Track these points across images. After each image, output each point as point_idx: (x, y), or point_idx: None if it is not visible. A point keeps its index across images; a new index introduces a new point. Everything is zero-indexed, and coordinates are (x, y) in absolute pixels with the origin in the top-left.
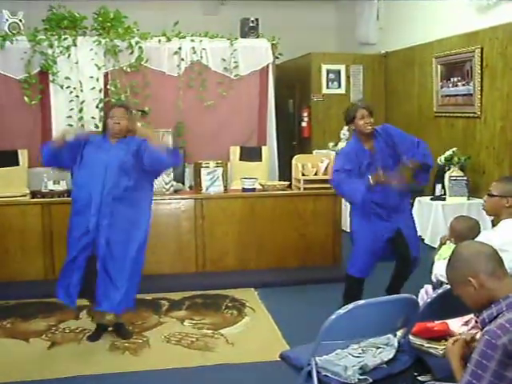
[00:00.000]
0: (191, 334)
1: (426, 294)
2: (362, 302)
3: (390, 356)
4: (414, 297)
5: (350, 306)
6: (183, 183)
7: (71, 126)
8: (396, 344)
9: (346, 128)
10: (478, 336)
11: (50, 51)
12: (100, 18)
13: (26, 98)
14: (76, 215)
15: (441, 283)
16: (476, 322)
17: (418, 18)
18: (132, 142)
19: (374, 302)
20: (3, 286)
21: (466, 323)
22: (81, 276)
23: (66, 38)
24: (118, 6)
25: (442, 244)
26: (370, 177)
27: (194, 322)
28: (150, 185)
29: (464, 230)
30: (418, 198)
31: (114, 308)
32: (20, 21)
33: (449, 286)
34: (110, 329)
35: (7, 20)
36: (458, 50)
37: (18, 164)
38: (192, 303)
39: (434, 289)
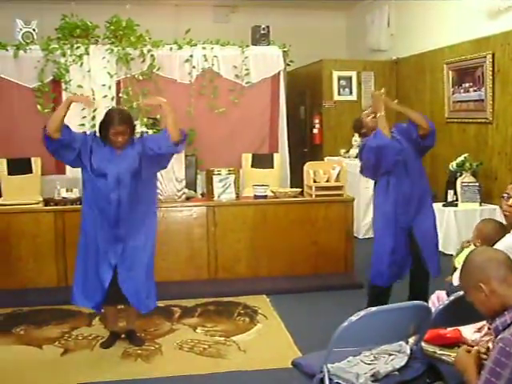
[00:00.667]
0: (203, 341)
1: (436, 300)
2: (373, 309)
3: (403, 363)
4: (426, 303)
5: (362, 312)
6: (195, 190)
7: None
8: (408, 351)
9: (357, 135)
10: (491, 345)
11: (62, 60)
12: (112, 27)
13: (38, 107)
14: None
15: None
16: (489, 328)
17: (428, 24)
18: (136, 145)
19: (386, 308)
20: (16, 292)
21: (479, 330)
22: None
23: (78, 47)
24: (130, 14)
25: (463, 248)
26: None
27: (206, 329)
28: (155, 178)
29: (491, 232)
30: None
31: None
32: (33, 30)
33: (461, 293)
34: (122, 336)
35: (21, 29)
36: (470, 55)
37: (31, 172)
38: (204, 310)
39: (449, 295)
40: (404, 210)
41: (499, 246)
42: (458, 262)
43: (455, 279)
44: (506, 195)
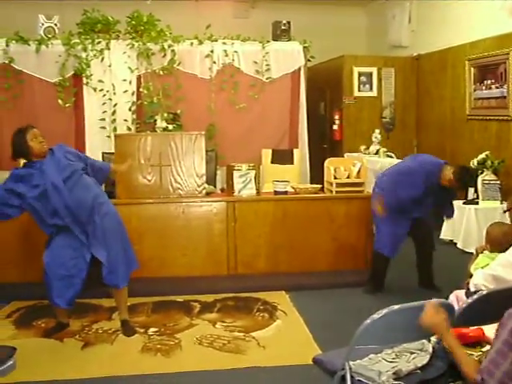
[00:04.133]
0: (223, 337)
1: (456, 300)
2: (396, 306)
3: (424, 361)
4: (449, 302)
5: (384, 310)
6: (215, 186)
7: (104, 128)
8: (430, 349)
9: (377, 131)
10: None
11: (83, 55)
12: (133, 22)
13: (59, 101)
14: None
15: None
16: None
17: (450, 20)
18: (54, 157)
19: (409, 306)
20: (37, 286)
21: None
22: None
23: (99, 42)
24: (151, 9)
25: (477, 254)
26: None
27: (225, 324)
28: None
29: (498, 236)
30: None
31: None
32: (55, 25)
33: (484, 292)
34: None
35: (43, 24)
36: (492, 52)
37: None
38: (223, 306)
39: (468, 297)
40: None
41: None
42: (474, 269)
43: (472, 285)
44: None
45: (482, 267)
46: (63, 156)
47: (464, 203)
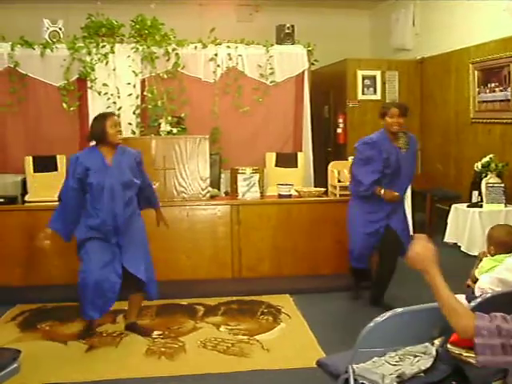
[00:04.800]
0: (227, 340)
1: None
2: (399, 309)
3: (428, 365)
4: None
5: (388, 313)
6: (219, 189)
7: None
8: (434, 352)
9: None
10: None
11: (88, 58)
12: (137, 26)
13: (64, 105)
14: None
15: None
16: None
17: (454, 23)
18: (124, 158)
19: (412, 310)
20: (42, 289)
21: None
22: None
23: (104, 46)
24: (155, 13)
25: (480, 260)
26: (382, 191)
27: (229, 327)
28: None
29: (502, 236)
30: (454, 205)
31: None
32: (60, 29)
33: (488, 295)
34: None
35: (48, 28)
36: (496, 55)
37: (56, 169)
38: (228, 309)
39: (470, 301)
40: None
41: None
42: (479, 273)
43: (477, 290)
44: None
45: (487, 270)
46: (133, 160)
47: (468, 206)
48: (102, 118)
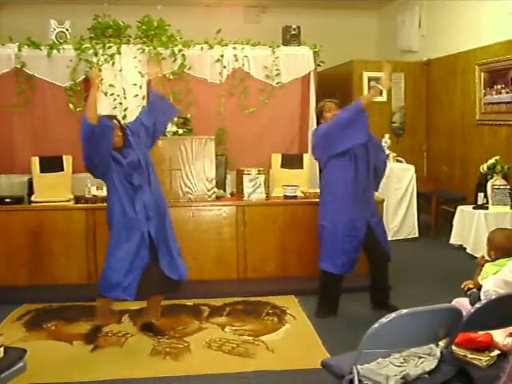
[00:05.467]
0: (232, 340)
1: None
2: (404, 311)
3: (433, 366)
4: (458, 307)
5: (392, 314)
6: (224, 190)
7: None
8: (438, 354)
9: (387, 136)
10: None
11: (94, 59)
12: (144, 27)
13: (70, 105)
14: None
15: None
16: None
17: (460, 25)
18: (132, 135)
19: (417, 311)
20: (48, 288)
21: (511, 334)
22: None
23: (110, 47)
24: (162, 14)
25: (482, 265)
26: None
27: (234, 328)
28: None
29: (502, 241)
30: (459, 207)
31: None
32: (66, 30)
33: (493, 297)
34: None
35: (54, 29)
36: (502, 57)
37: (62, 169)
38: (233, 309)
39: (472, 304)
40: None
41: None
42: (482, 279)
43: (482, 293)
44: None
45: (494, 273)
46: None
47: (474, 208)
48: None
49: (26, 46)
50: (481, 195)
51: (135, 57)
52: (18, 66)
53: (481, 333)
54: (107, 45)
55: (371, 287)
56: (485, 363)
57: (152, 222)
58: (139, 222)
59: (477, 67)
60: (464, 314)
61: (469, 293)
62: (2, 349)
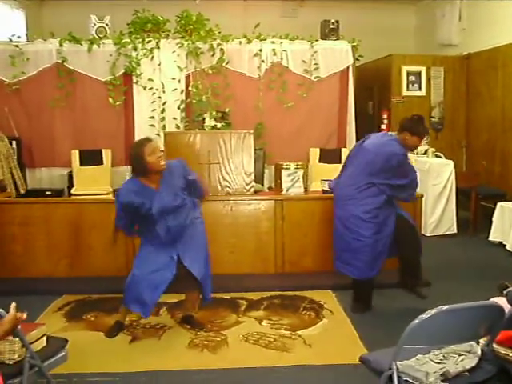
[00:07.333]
0: (269, 334)
1: None
2: (445, 307)
3: (473, 364)
4: (500, 304)
5: (433, 310)
6: (262, 184)
7: (153, 126)
8: (479, 352)
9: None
10: None
11: (134, 54)
12: (182, 21)
13: (110, 99)
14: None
15: None
16: None
17: (501, 18)
18: (172, 177)
19: (458, 307)
20: (87, 280)
21: None
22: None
23: (149, 41)
24: (200, 9)
25: None
26: None
27: (271, 322)
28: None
29: None
30: (499, 204)
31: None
32: (106, 25)
33: None
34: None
35: (95, 24)
36: None
37: (102, 163)
38: (270, 304)
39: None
40: None
41: None
42: None
43: None
44: None
45: None
46: (180, 177)
47: None
48: (139, 146)
49: (66, 41)
50: None
51: (174, 51)
52: (59, 61)
53: None
54: (146, 39)
55: (400, 267)
56: None
57: (179, 244)
58: (166, 246)
59: None
60: (506, 311)
61: (505, 292)
62: (44, 338)
